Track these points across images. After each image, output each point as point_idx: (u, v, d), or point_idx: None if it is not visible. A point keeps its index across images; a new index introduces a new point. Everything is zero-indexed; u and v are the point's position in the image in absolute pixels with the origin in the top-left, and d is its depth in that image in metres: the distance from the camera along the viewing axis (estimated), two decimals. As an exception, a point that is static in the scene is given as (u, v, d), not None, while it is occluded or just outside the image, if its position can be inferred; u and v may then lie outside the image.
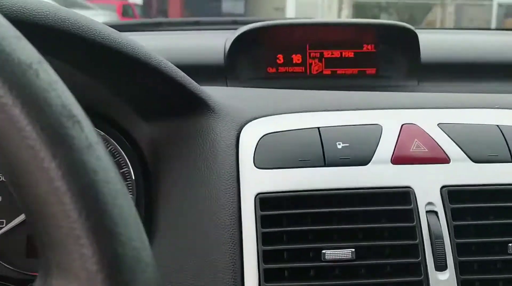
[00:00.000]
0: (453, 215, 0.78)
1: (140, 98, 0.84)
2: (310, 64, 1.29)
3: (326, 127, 0.84)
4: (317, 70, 1.29)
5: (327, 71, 1.29)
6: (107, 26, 0.74)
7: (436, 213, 0.78)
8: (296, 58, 1.28)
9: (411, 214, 0.78)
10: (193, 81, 0.84)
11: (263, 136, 0.83)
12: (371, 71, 1.29)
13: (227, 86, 1.23)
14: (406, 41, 1.27)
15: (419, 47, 1.26)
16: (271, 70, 1.28)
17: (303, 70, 1.29)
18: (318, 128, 0.84)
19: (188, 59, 1.20)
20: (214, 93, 0.93)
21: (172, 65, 0.81)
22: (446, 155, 0.82)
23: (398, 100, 0.94)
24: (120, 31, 0.75)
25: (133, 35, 1.28)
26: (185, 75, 0.83)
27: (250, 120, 0.87)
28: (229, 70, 1.25)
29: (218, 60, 1.25)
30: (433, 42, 1.34)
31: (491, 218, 0.80)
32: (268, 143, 0.83)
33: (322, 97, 0.99)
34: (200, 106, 0.86)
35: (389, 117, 0.87)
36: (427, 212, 0.78)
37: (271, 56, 1.28)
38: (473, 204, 0.80)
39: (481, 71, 1.29)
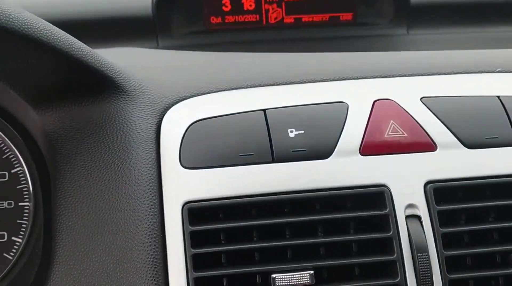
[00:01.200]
0: (441, 220, 0.76)
1: (20, 76, 0.80)
2: (267, 11, 1.25)
3: (275, 109, 0.81)
4: (275, 19, 1.25)
5: (289, 19, 1.25)
6: None
7: (419, 218, 0.76)
8: (248, 3, 1.24)
9: (386, 221, 0.76)
10: (93, 51, 0.80)
11: (192, 124, 0.80)
12: (346, 16, 1.25)
13: (158, 45, 1.20)
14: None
15: None
16: (215, 20, 1.24)
17: (258, 19, 1.25)
18: (264, 110, 0.80)
19: (98, 11, 1.16)
20: (131, 63, 0.88)
21: (59, 30, 0.76)
22: (432, 140, 0.79)
23: (371, 64, 0.91)
24: None
25: None
26: (81, 44, 0.78)
27: (175, 103, 0.83)
28: (159, 23, 1.21)
29: (144, 10, 1.20)
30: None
31: (490, 221, 0.78)
32: (198, 134, 0.79)
33: (274, 62, 0.95)
34: (107, 87, 0.82)
35: (358, 90, 0.84)
36: (407, 217, 0.76)
37: (215, 2, 1.23)
38: (467, 204, 0.77)
39: (491, 10, 1.26)
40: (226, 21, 1.23)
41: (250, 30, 1.23)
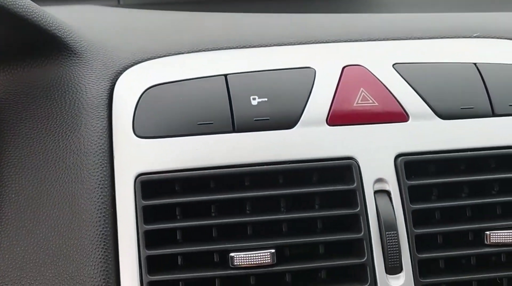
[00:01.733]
0: (412, 195, 0.72)
1: None
2: (234, -33, 1.19)
3: (237, 75, 0.76)
4: (242, -25, 1.19)
5: (256, -24, 1.20)
6: None
7: (388, 193, 0.73)
8: (214, -41, 1.18)
9: (354, 197, 0.72)
10: (40, 8, 0.74)
11: (147, 89, 0.75)
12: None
13: (119, 3, 1.13)
14: None
15: None
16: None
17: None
18: (225, 75, 0.75)
19: None
20: (87, 22, 0.83)
21: None
22: (404, 109, 0.75)
23: (341, 27, 0.86)
24: None
25: None
26: (25, 0, 0.72)
27: (130, 66, 0.78)
28: None
29: None
30: None
31: (463, 197, 0.74)
32: (154, 100, 0.74)
33: (238, 23, 0.90)
34: (55, 47, 0.76)
35: (326, 55, 0.79)
36: (376, 192, 0.72)
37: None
38: (439, 178, 0.73)
39: None
40: (192, -24, 1.16)
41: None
